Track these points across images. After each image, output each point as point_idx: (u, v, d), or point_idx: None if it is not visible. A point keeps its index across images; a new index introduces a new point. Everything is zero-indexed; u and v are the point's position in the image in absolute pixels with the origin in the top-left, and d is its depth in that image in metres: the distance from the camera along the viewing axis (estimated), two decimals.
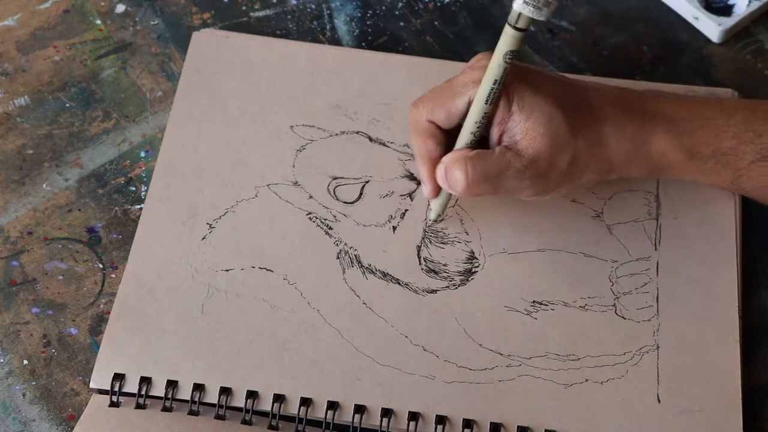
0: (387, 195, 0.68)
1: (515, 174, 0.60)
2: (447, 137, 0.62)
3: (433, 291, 0.65)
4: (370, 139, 0.70)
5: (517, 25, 0.56)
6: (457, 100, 0.61)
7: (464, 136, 0.61)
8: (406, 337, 0.63)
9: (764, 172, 0.61)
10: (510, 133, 0.60)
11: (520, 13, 0.56)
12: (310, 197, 0.68)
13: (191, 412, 0.61)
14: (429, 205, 0.66)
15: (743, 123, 0.61)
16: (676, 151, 0.62)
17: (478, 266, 0.66)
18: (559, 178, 0.61)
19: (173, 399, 0.61)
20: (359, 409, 0.61)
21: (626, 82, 0.72)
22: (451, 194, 0.64)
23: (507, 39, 0.57)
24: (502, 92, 0.59)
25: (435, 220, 0.66)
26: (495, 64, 0.58)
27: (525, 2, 0.55)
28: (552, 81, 0.62)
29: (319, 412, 0.61)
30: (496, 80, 0.58)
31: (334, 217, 0.67)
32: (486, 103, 0.59)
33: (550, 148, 0.59)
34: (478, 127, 0.60)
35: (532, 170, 0.60)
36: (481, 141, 0.62)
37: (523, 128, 0.59)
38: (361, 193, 0.68)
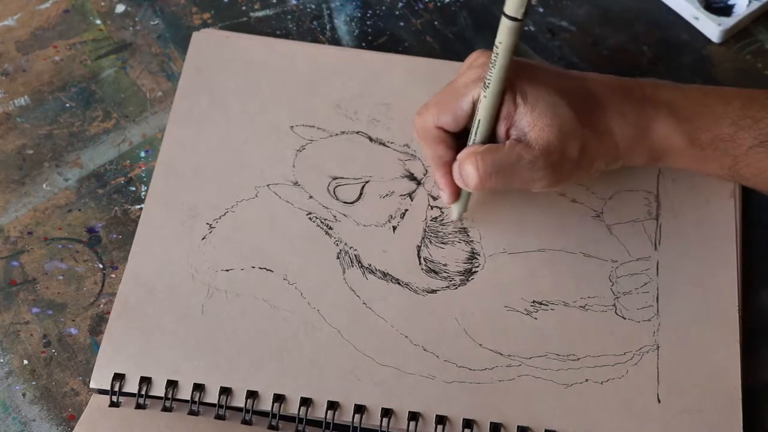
0: (387, 195, 0.68)
1: (527, 165, 0.59)
2: (456, 141, 0.62)
3: (433, 291, 0.65)
4: (370, 139, 0.70)
5: (516, 16, 0.56)
6: (462, 101, 0.61)
7: (477, 133, 0.61)
8: (406, 337, 0.63)
9: (762, 158, 0.61)
10: (517, 126, 0.60)
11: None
12: (310, 197, 0.68)
13: (191, 412, 0.61)
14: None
15: (741, 109, 0.62)
16: (676, 137, 0.62)
17: (478, 266, 0.66)
18: (570, 167, 0.61)
19: (173, 399, 0.61)
20: (359, 409, 0.61)
21: None
22: (469, 194, 0.64)
23: (509, 31, 0.57)
24: (505, 87, 0.59)
25: (458, 219, 0.66)
26: (502, 55, 0.58)
27: None
28: (551, 73, 0.62)
29: (319, 412, 0.61)
30: (503, 68, 0.58)
31: (334, 217, 0.67)
32: (501, 94, 0.59)
33: (559, 137, 0.59)
34: (489, 122, 0.60)
35: (543, 161, 0.59)
36: (490, 140, 0.62)
37: (530, 120, 0.59)
38: (361, 193, 0.68)
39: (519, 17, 0.56)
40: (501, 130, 0.61)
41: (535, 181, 0.61)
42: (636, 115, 0.61)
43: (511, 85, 0.59)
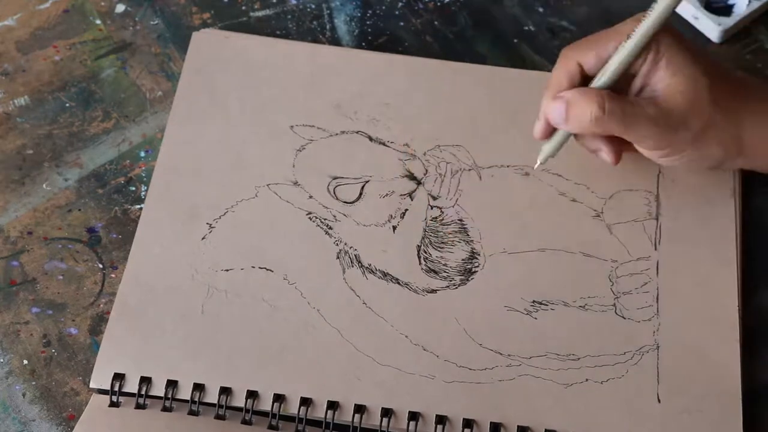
0: (387, 195, 0.68)
1: (646, 121, 0.60)
2: (582, 84, 0.62)
3: (433, 291, 0.65)
4: (370, 139, 0.70)
5: None
6: (609, 44, 0.61)
7: (607, 76, 0.61)
8: (406, 337, 0.63)
9: None
10: (652, 87, 0.60)
11: None
12: (310, 197, 0.68)
13: (191, 412, 0.61)
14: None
15: None
16: None
17: (478, 266, 0.66)
18: (685, 139, 0.61)
19: (173, 399, 0.61)
20: (359, 409, 0.61)
21: None
22: (567, 139, 0.63)
23: None
24: (653, 46, 0.60)
25: (543, 162, 0.64)
26: (654, 17, 0.59)
27: None
28: (705, 53, 0.63)
29: (319, 412, 0.61)
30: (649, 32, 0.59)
31: (334, 216, 0.67)
32: (641, 49, 0.59)
33: (687, 106, 0.60)
34: (621, 69, 0.60)
35: (664, 120, 0.60)
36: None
37: (666, 84, 0.60)
38: (361, 193, 0.68)
39: None
40: (636, 85, 0.61)
41: (647, 138, 0.61)
42: None
43: (660, 46, 0.60)
